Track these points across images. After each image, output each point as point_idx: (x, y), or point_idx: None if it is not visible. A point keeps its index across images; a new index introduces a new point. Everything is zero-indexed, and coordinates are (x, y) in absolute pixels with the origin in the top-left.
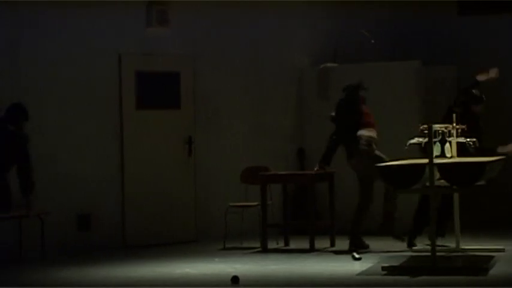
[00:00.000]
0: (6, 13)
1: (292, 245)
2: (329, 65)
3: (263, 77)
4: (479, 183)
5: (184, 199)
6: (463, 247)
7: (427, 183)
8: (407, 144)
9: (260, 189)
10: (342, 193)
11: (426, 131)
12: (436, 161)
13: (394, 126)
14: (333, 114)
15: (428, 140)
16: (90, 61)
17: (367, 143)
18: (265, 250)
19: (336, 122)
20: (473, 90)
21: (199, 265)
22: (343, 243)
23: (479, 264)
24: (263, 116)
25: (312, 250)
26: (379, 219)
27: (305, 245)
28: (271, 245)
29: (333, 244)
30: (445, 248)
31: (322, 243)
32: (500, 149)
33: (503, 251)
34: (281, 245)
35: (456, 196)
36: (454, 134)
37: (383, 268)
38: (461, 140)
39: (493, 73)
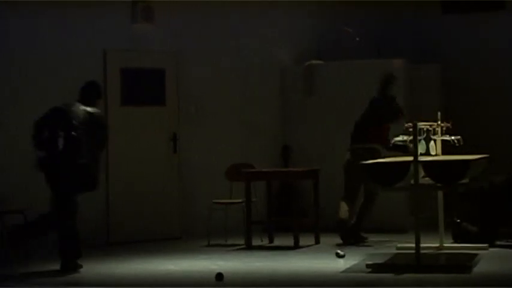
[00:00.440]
0: None
1: (277, 242)
2: (314, 62)
3: (248, 74)
4: (463, 181)
5: (168, 196)
6: (446, 245)
7: (412, 181)
8: (392, 142)
9: (244, 187)
10: (326, 190)
11: (411, 129)
12: (421, 158)
13: None
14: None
15: (413, 137)
16: (75, 58)
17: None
18: (249, 247)
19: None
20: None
21: (183, 262)
22: (327, 241)
23: (463, 262)
24: (248, 113)
25: (296, 247)
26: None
27: (289, 242)
28: (256, 242)
29: (317, 241)
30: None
31: (306, 240)
32: None
33: (487, 249)
34: (265, 242)
35: (440, 194)
36: (439, 132)
37: (367, 265)
38: (446, 138)
39: None
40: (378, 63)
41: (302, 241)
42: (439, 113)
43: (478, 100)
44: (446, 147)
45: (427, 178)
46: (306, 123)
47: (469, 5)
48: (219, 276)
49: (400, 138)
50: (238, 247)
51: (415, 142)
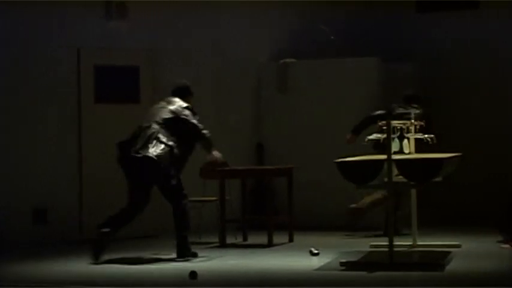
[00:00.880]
0: None
1: (251, 240)
2: (288, 60)
3: (222, 71)
4: (436, 179)
5: None
6: (420, 243)
7: (386, 179)
8: (366, 140)
9: (219, 185)
10: (300, 188)
11: (385, 127)
12: (395, 157)
13: (353, 122)
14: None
15: (387, 136)
16: (49, 55)
17: None
18: (223, 245)
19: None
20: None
21: (157, 260)
22: (301, 239)
23: (436, 260)
24: (222, 111)
25: (270, 245)
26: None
27: (263, 240)
28: (230, 240)
29: (291, 239)
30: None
31: (280, 238)
32: None
33: (460, 247)
34: (239, 240)
35: (413, 192)
36: (413, 131)
37: (341, 263)
38: (420, 136)
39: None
40: (352, 61)
41: (276, 239)
42: (412, 112)
43: (451, 99)
44: (420, 146)
45: (400, 176)
46: (280, 121)
47: (443, 4)
48: (193, 274)
49: (374, 136)
50: (212, 245)
51: (388, 140)
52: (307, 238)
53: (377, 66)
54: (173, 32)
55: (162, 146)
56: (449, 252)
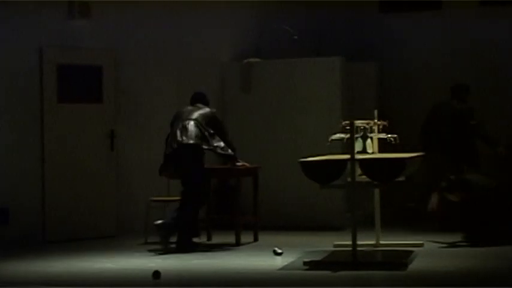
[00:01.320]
0: None
1: (215, 240)
2: (252, 60)
3: (186, 70)
4: (399, 179)
5: (105, 193)
6: (383, 242)
7: (349, 179)
8: (330, 140)
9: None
10: (265, 188)
11: (348, 127)
12: (358, 156)
13: (317, 122)
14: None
15: (350, 136)
16: (11, 54)
17: None
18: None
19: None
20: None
21: (120, 260)
22: (266, 238)
23: (398, 259)
24: None
25: (238, 245)
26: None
27: (228, 239)
28: (194, 239)
29: (256, 239)
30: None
31: (245, 238)
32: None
33: (422, 246)
34: (203, 239)
35: (377, 192)
36: (376, 130)
37: (304, 263)
38: (383, 136)
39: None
40: (315, 61)
41: (241, 239)
42: (375, 111)
43: (414, 98)
44: (383, 145)
45: (363, 176)
46: (244, 121)
47: (406, 4)
48: (156, 274)
49: (337, 136)
50: (175, 244)
51: (352, 140)
52: (272, 238)
53: (340, 65)
54: (136, 32)
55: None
56: (412, 252)
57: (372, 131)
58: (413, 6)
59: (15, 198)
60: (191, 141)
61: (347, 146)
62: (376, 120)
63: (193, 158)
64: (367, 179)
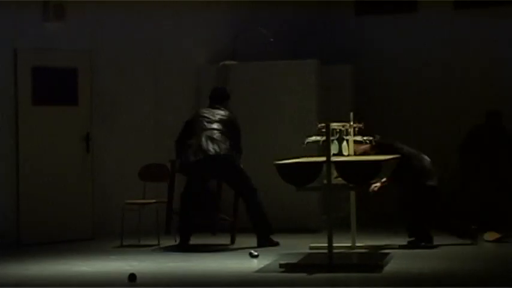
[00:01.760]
0: None
1: (191, 242)
2: (228, 62)
3: (162, 73)
4: (373, 181)
5: (81, 196)
6: (358, 244)
7: (325, 181)
8: (305, 142)
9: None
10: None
11: (324, 130)
12: (334, 159)
13: (293, 125)
14: None
15: (326, 138)
16: None
17: None
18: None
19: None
20: None
21: (96, 263)
22: (242, 241)
23: (374, 261)
24: (162, 113)
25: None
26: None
27: (204, 242)
28: (170, 242)
29: (233, 241)
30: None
31: (221, 240)
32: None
33: (398, 248)
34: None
35: (352, 194)
36: (351, 133)
37: (280, 265)
38: (359, 138)
39: None
40: (291, 64)
41: (217, 241)
42: (351, 114)
43: (390, 101)
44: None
45: (339, 178)
46: None
47: (383, 7)
48: (132, 276)
49: (313, 138)
50: (151, 247)
51: (327, 142)
52: (248, 240)
53: (316, 68)
54: (111, 33)
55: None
56: (387, 254)
57: (347, 134)
58: (389, 9)
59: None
60: (222, 153)
61: (323, 149)
62: (351, 123)
63: (231, 167)
64: (343, 182)
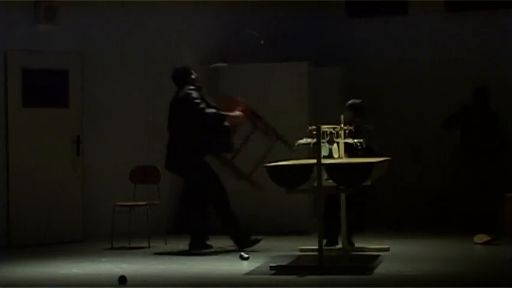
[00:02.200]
0: None
1: (182, 244)
2: (218, 65)
3: (153, 75)
4: (365, 183)
5: (71, 198)
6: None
7: (315, 184)
8: (296, 144)
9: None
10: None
11: (314, 132)
12: (324, 161)
13: (283, 127)
14: None
15: (317, 140)
16: None
17: None
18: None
19: None
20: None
21: (86, 265)
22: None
23: (365, 264)
24: (153, 115)
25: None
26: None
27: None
28: (160, 244)
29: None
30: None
31: (212, 242)
32: None
33: (388, 250)
34: (170, 244)
35: (343, 196)
36: (342, 135)
37: (271, 267)
38: (349, 141)
39: None
40: (282, 66)
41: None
42: (342, 116)
43: (381, 103)
44: (349, 150)
45: (330, 181)
46: None
47: (373, 9)
48: (122, 279)
49: (303, 140)
50: (142, 250)
51: (318, 145)
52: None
53: (307, 70)
54: (102, 35)
55: None
56: (378, 256)
57: (338, 136)
58: (380, 11)
59: None
60: None
61: (313, 151)
62: (342, 125)
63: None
64: (334, 184)
